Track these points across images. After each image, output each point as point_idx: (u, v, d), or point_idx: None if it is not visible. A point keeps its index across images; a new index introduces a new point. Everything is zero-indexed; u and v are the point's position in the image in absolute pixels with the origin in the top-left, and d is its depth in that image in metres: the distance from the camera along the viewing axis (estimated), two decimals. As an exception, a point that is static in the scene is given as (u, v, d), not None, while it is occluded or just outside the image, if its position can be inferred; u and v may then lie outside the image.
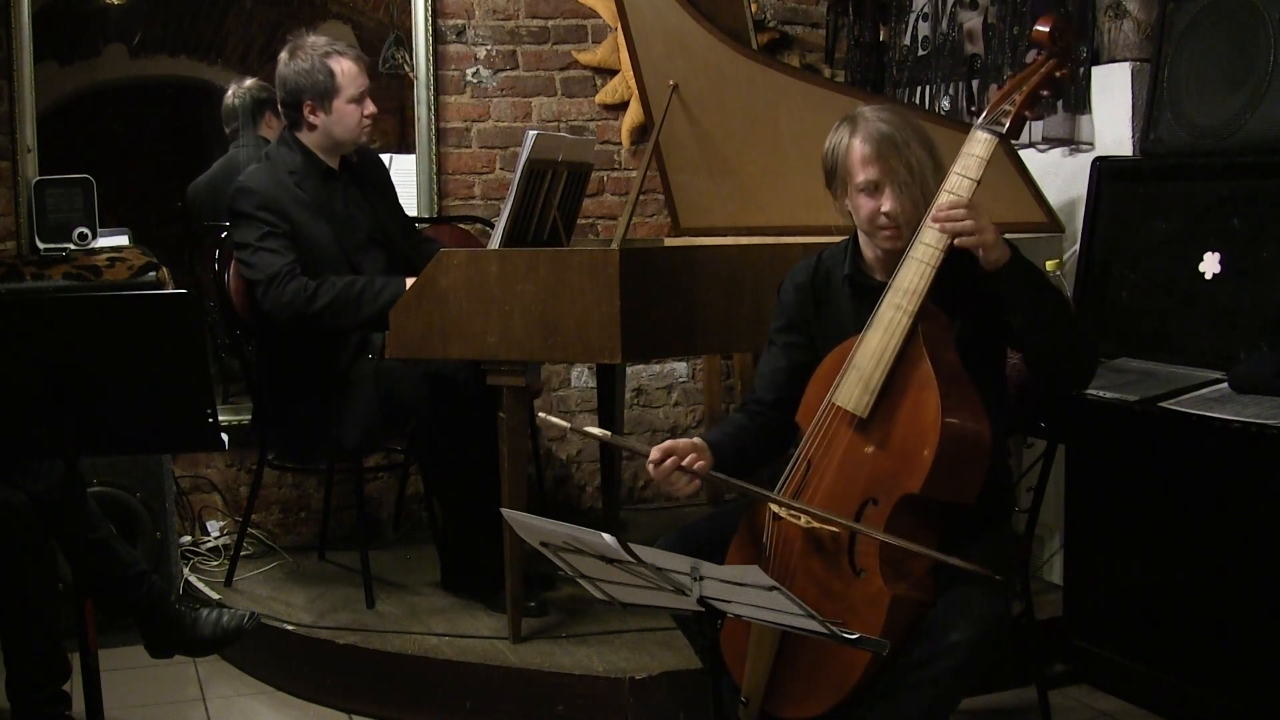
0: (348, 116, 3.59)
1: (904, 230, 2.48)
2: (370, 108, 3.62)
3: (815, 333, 2.67)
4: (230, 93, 4.39)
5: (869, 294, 2.54)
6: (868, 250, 2.60)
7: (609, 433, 2.57)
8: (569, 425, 2.55)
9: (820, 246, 2.76)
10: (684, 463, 2.43)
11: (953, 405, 2.36)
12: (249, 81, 4.37)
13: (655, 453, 2.44)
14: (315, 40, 3.62)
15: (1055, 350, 2.51)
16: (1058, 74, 2.51)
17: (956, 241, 2.39)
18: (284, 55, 3.60)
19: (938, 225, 2.39)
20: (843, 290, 2.63)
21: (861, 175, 2.47)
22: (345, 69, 3.57)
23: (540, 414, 2.68)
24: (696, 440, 2.50)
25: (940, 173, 2.48)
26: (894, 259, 2.49)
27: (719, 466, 2.48)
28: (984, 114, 2.48)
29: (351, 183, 3.70)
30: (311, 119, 3.59)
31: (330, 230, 3.58)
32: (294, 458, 3.82)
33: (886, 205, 2.47)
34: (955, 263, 2.43)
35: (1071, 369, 2.59)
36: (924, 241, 2.42)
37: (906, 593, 2.35)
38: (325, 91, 3.55)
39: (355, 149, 3.71)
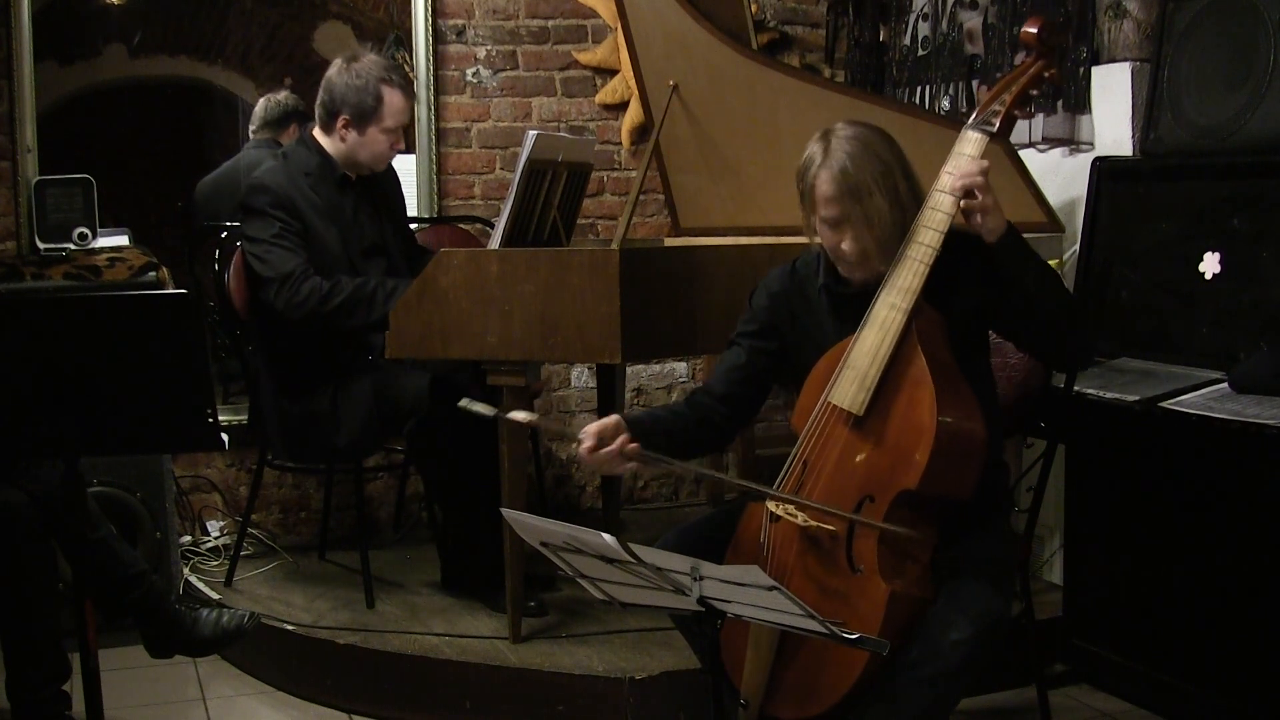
0: (377, 144, 3.60)
1: (865, 265, 2.49)
2: (400, 143, 3.64)
3: (790, 341, 2.66)
4: (265, 99, 4.38)
5: (845, 302, 2.55)
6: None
7: (535, 416, 2.54)
8: (494, 411, 2.50)
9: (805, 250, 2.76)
10: (615, 445, 2.41)
11: (947, 402, 2.37)
12: (283, 93, 4.37)
13: (589, 439, 2.42)
14: (375, 60, 3.62)
15: (1057, 323, 2.48)
16: (1047, 74, 2.52)
17: (963, 204, 2.37)
18: (340, 62, 3.60)
19: (957, 186, 2.37)
20: (819, 299, 2.63)
21: (823, 211, 2.48)
22: (393, 101, 3.57)
23: (462, 401, 2.51)
24: (615, 418, 2.46)
25: (917, 193, 2.48)
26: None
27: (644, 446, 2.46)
28: (975, 114, 2.49)
29: (364, 192, 3.70)
30: (342, 131, 3.58)
31: (338, 235, 3.59)
32: (290, 457, 3.82)
33: (845, 245, 2.48)
34: (947, 262, 2.43)
35: (1073, 344, 2.57)
36: (918, 240, 2.42)
37: (905, 589, 2.35)
38: (366, 114, 3.55)
39: None
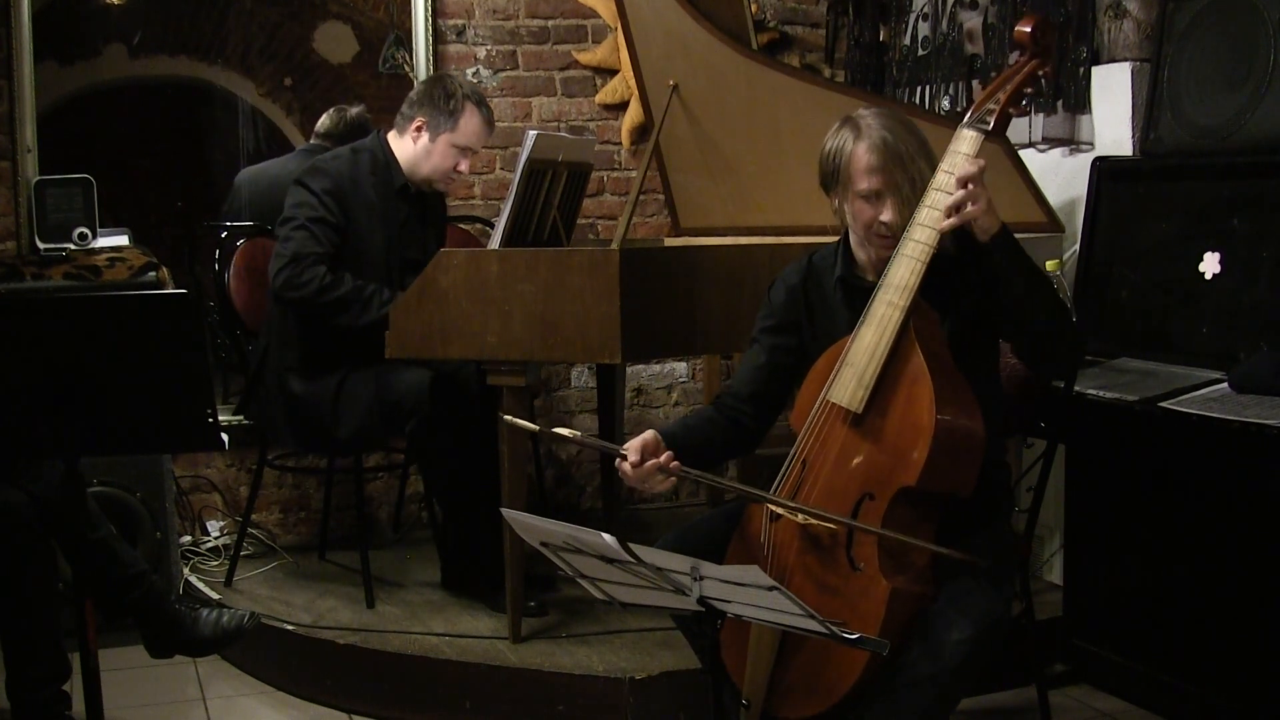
0: (442, 158, 3.61)
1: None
2: (465, 167, 3.65)
3: (806, 335, 2.66)
4: (337, 109, 4.34)
5: (861, 295, 2.54)
6: (860, 252, 2.59)
7: (579, 433, 2.56)
8: (538, 428, 2.56)
9: (819, 246, 2.76)
10: (661, 460, 2.43)
11: (946, 399, 2.37)
12: (355, 109, 4.33)
13: (633, 454, 2.43)
14: (471, 84, 3.71)
15: (1048, 328, 2.46)
16: (1041, 73, 2.52)
17: (957, 197, 2.36)
18: (437, 76, 3.69)
19: (954, 216, 2.36)
20: (835, 293, 2.63)
21: (864, 183, 2.47)
22: (471, 121, 3.60)
23: (506, 416, 2.62)
24: (650, 434, 2.47)
25: None
26: (887, 262, 2.50)
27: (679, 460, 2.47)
28: (970, 113, 2.49)
29: (417, 206, 3.71)
30: (414, 134, 3.60)
31: (384, 241, 3.59)
32: (291, 443, 3.80)
33: (887, 215, 2.47)
34: (946, 259, 2.44)
35: (1063, 350, 2.55)
36: (914, 238, 2.42)
37: (905, 586, 2.35)
38: (442, 122, 3.57)
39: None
